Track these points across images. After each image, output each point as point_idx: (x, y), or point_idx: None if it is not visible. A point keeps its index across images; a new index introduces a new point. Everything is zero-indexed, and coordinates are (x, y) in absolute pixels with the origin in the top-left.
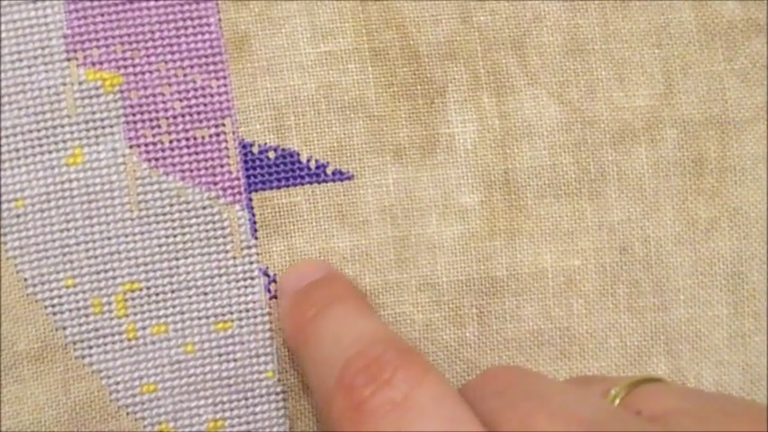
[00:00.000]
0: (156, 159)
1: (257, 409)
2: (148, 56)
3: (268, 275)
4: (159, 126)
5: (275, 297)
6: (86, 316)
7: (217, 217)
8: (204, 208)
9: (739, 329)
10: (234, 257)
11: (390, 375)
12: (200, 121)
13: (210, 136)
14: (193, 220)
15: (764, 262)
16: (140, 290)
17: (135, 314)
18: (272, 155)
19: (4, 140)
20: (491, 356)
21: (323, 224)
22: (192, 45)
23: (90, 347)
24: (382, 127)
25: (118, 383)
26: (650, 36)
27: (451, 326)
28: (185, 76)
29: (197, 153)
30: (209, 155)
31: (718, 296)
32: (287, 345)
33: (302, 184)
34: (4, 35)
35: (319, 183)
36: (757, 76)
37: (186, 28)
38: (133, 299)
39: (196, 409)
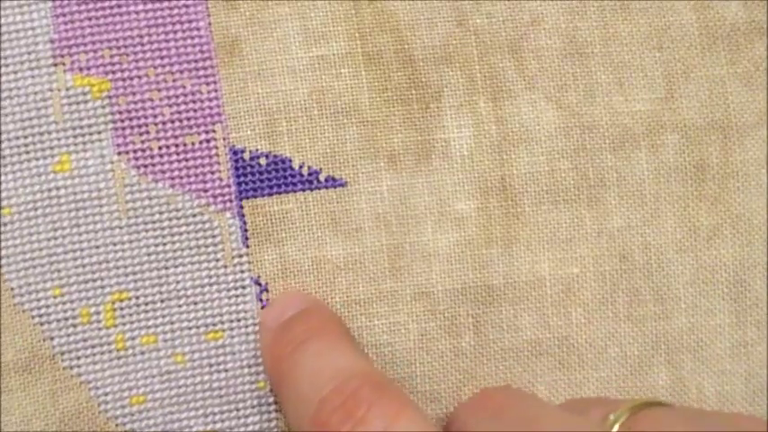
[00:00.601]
0: (145, 166)
1: (248, 420)
2: (137, 61)
3: (259, 284)
4: (148, 132)
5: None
6: (74, 326)
7: (207, 225)
8: (194, 216)
9: (742, 339)
10: (225, 266)
11: (365, 412)
12: (190, 128)
13: (200, 142)
14: (183, 228)
15: (767, 270)
16: (129, 299)
17: (124, 324)
18: (263, 161)
19: None
20: (488, 367)
21: (315, 232)
22: (182, 49)
23: (78, 358)
24: (376, 132)
25: (107, 395)
26: (651, 39)
27: (447, 336)
28: (174, 81)
29: (187, 160)
30: (199, 161)
31: (720, 305)
32: (268, 380)
33: (294, 191)
34: None
35: (312, 190)
36: (760, 79)
37: (175, 32)
38: (122, 308)
39: (186, 420)
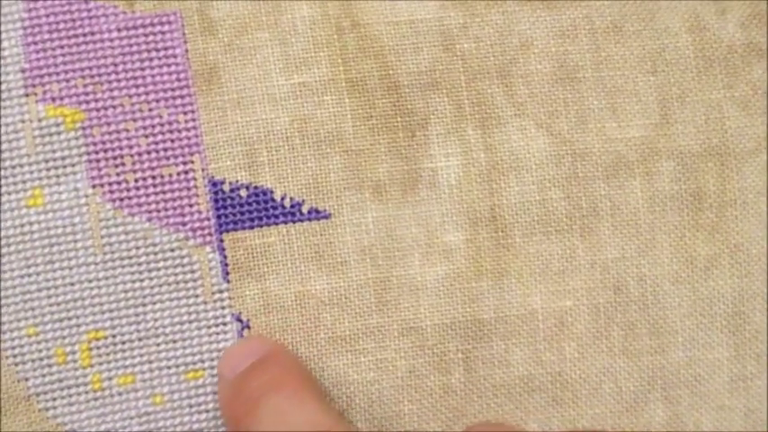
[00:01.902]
0: (121, 199)
1: None
2: (111, 90)
3: (241, 321)
4: (124, 164)
5: None
6: (50, 366)
7: (186, 260)
8: (172, 250)
9: (741, 373)
10: (204, 302)
11: None
12: (167, 159)
13: (178, 174)
14: (161, 264)
15: (767, 301)
16: (105, 338)
17: (100, 364)
18: (243, 193)
19: None
20: (478, 404)
21: (299, 266)
22: (158, 78)
23: (54, 399)
24: (361, 162)
25: None
26: (645, 62)
27: (436, 372)
28: (151, 110)
29: (164, 192)
30: (176, 194)
31: (719, 338)
32: None
33: (276, 224)
34: None
35: (294, 222)
36: (759, 104)
37: (151, 60)
38: (98, 347)
39: None
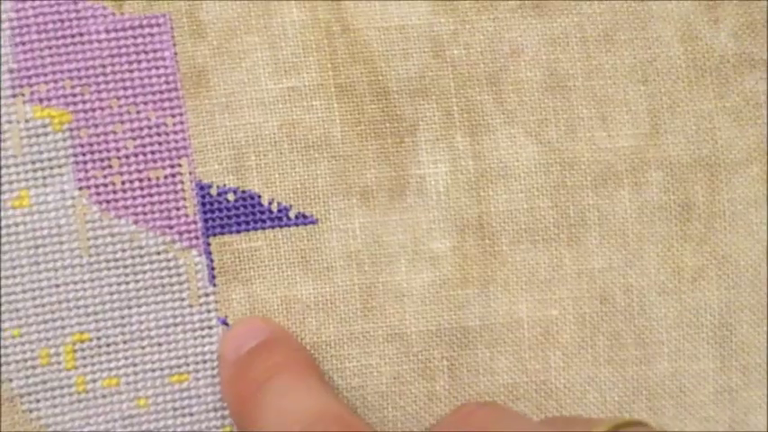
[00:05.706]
0: (108, 201)
1: None
2: (99, 92)
3: (227, 324)
4: (111, 166)
5: None
6: (34, 368)
7: (172, 263)
8: (159, 253)
9: (726, 384)
10: (190, 306)
11: None
12: (155, 161)
13: (165, 177)
14: (147, 267)
15: (754, 313)
16: (90, 340)
17: (84, 366)
18: (231, 197)
19: None
20: None
21: (285, 271)
22: (146, 80)
23: (38, 401)
24: (349, 168)
25: None
26: (636, 72)
27: (421, 379)
28: (138, 113)
29: (151, 195)
30: (164, 197)
31: (705, 349)
32: (232, 420)
33: (263, 229)
34: None
35: (281, 227)
36: (750, 114)
37: (140, 62)
38: (83, 350)
39: None
